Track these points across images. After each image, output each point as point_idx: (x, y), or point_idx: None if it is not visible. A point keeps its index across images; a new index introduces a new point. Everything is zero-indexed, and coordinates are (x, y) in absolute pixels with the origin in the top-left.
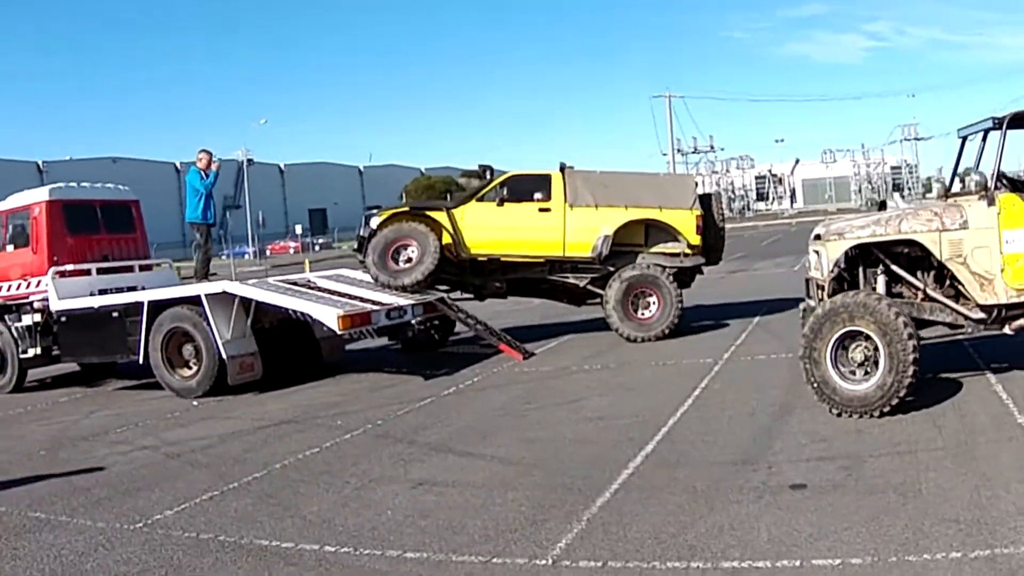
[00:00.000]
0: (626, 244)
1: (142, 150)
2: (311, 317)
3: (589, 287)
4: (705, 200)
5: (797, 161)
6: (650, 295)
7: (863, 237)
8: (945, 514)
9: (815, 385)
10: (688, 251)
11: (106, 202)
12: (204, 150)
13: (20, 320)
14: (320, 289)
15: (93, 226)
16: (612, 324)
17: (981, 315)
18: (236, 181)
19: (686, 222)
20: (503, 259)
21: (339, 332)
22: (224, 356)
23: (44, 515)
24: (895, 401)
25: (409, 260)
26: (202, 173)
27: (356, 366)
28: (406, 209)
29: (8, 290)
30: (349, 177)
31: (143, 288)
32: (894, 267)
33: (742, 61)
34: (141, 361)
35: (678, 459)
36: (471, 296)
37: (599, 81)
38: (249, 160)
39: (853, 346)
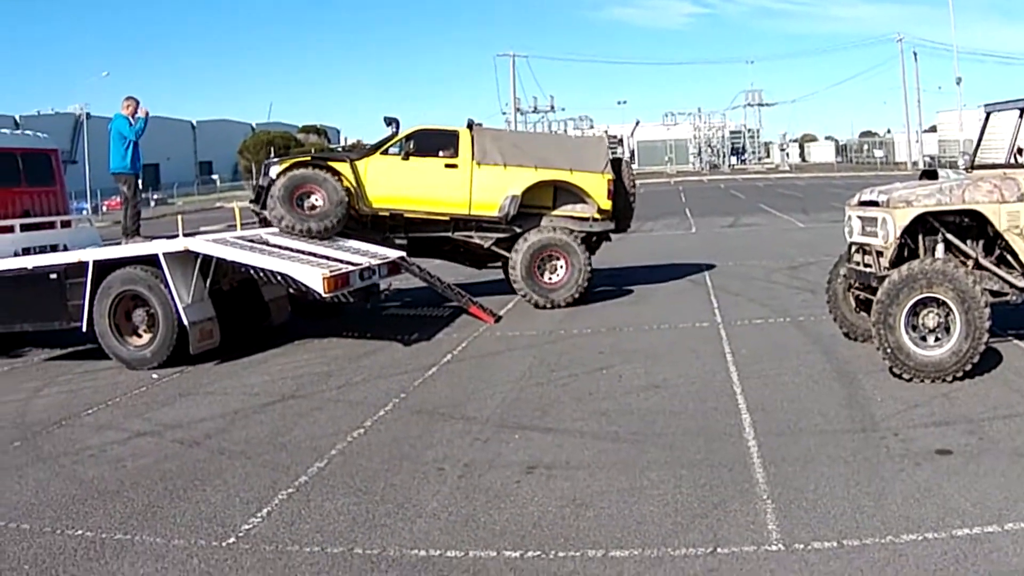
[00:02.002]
0: (534, 206)
1: None
2: (291, 279)
3: (493, 248)
4: (616, 165)
5: (637, 123)
6: (558, 259)
7: (930, 206)
8: None
9: (888, 350)
10: (598, 216)
11: (27, 151)
12: (130, 96)
13: None
14: (281, 247)
15: (14, 178)
16: (518, 288)
17: None
18: (73, 136)
19: (597, 186)
20: (406, 215)
21: (324, 295)
22: (185, 322)
23: (88, 533)
24: (968, 367)
25: (313, 208)
26: (130, 119)
27: (304, 332)
28: (307, 159)
29: None
30: (182, 132)
31: (66, 247)
32: (948, 235)
33: (565, 25)
34: (84, 328)
35: (788, 429)
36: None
37: (438, 41)
38: (87, 114)
39: (924, 312)
